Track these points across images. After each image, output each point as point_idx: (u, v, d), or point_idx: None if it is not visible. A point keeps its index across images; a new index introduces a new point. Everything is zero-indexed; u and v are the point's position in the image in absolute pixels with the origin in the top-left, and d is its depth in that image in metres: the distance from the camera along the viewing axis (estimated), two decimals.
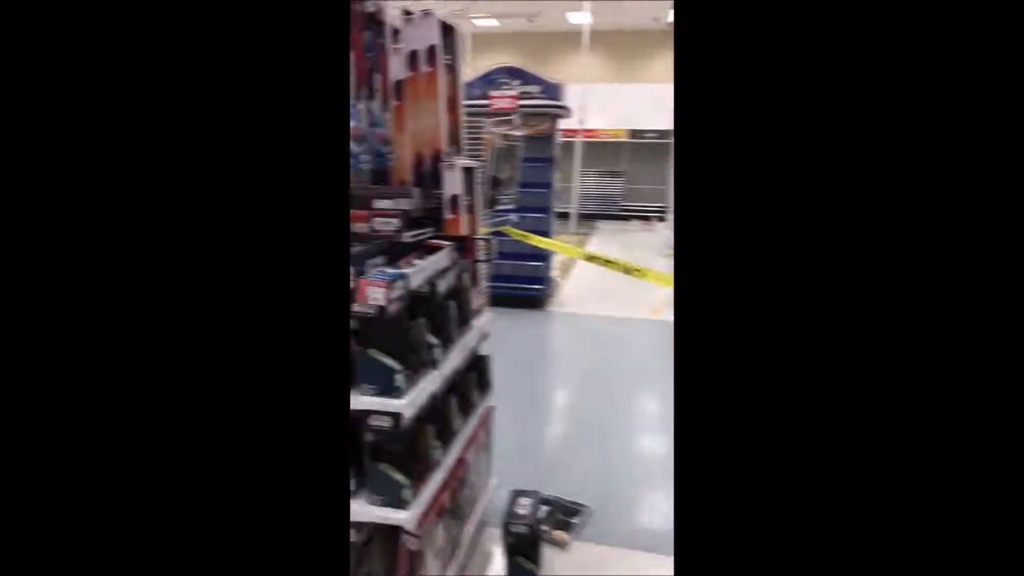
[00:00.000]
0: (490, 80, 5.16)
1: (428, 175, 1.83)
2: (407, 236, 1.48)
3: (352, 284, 1.34)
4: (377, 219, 1.41)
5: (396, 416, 1.38)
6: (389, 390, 1.36)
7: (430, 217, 1.80)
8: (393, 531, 1.46)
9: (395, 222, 1.42)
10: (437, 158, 1.82)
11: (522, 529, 1.81)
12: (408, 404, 1.37)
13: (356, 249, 1.39)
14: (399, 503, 1.41)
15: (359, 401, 1.38)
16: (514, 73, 5.22)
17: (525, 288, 5.15)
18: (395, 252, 1.54)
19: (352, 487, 1.45)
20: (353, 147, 1.35)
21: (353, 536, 1.50)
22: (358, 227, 1.43)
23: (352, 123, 1.33)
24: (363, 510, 1.42)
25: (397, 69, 1.71)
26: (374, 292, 1.30)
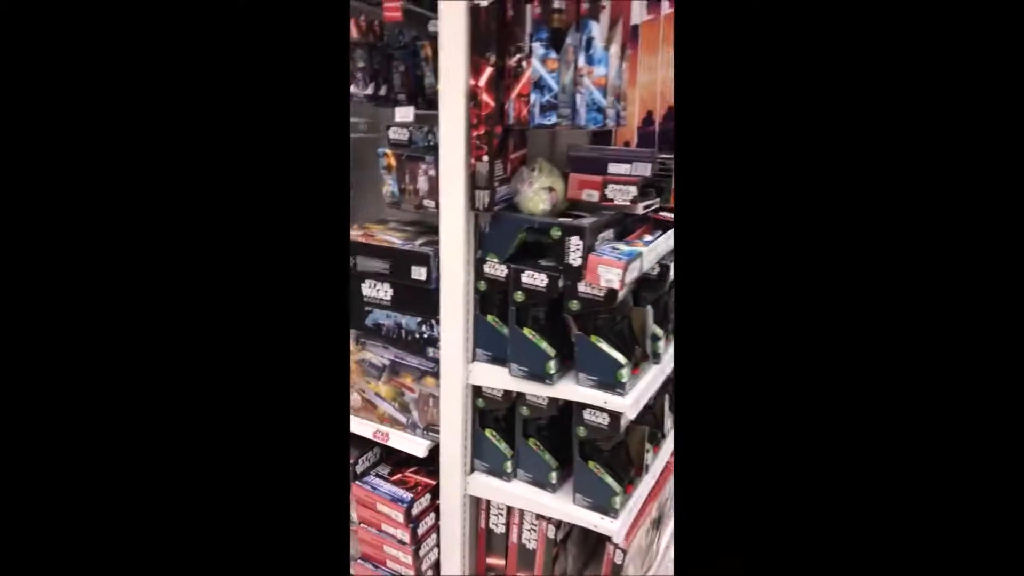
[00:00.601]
0: None
1: (656, 136, 1.59)
2: (640, 207, 1.27)
3: (578, 260, 1.17)
4: (611, 186, 1.22)
5: (616, 415, 1.20)
6: (611, 385, 1.18)
7: (654, 185, 1.56)
8: (591, 531, 1.31)
9: (632, 190, 1.21)
10: (671, 116, 1.56)
11: None
12: (631, 405, 1.18)
13: (587, 221, 1.21)
14: (608, 510, 1.25)
15: (575, 391, 1.23)
16: None
17: None
18: (624, 226, 1.34)
19: (553, 480, 1.32)
20: (600, 99, 1.15)
21: (551, 532, 1.38)
22: (588, 194, 1.25)
23: (602, 70, 1.14)
24: (568, 508, 1.29)
25: (637, 11, 1.47)
26: (608, 273, 1.11)
